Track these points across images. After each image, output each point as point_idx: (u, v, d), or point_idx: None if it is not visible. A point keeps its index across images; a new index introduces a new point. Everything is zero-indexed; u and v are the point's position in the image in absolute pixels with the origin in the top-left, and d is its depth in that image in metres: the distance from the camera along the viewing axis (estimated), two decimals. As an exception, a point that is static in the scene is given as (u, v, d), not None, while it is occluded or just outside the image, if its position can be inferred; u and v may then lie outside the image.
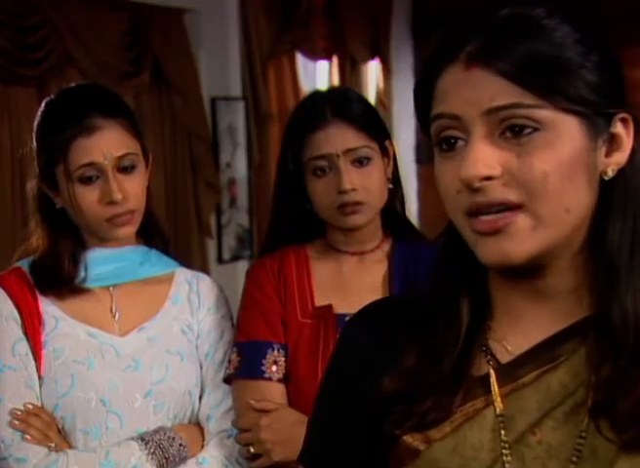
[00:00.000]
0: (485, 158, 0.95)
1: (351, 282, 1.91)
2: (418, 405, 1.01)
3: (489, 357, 1.03)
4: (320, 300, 1.91)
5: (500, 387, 1.01)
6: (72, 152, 1.77)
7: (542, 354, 1.01)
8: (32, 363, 1.79)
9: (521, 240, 0.95)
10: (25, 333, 1.79)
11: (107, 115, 1.80)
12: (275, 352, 1.89)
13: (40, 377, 1.79)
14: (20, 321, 1.80)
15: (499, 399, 1.00)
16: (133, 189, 1.81)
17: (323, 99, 1.93)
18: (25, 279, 1.84)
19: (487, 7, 1.01)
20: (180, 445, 1.81)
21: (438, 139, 1.00)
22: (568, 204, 0.96)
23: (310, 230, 1.97)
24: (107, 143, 1.79)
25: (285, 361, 1.88)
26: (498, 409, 1.00)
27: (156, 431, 1.80)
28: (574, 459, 0.96)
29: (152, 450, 1.77)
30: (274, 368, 1.87)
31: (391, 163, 1.95)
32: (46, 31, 4.02)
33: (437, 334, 1.03)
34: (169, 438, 1.80)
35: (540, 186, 0.94)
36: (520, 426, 0.99)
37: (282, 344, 1.89)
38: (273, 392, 1.87)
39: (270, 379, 1.87)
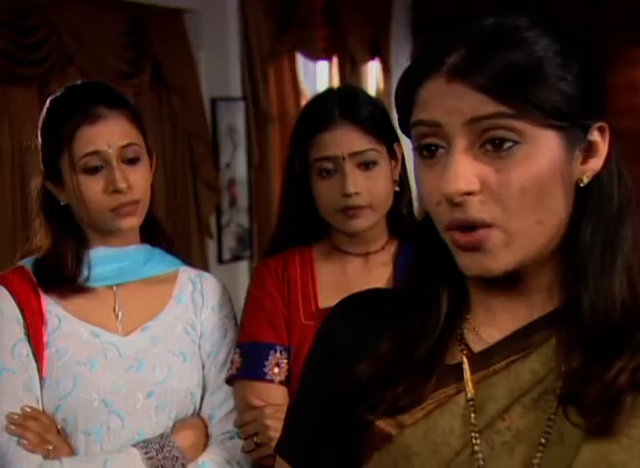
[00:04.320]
0: (465, 173, 0.97)
1: (356, 284, 1.88)
2: (390, 390, 1.04)
3: (463, 346, 1.06)
4: (324, 302, 1.90)
5: (471, 374, 1.04)
6: (77, 141, 1.78)
7: (514, 343, 1.04)
8: (33, 364, 1.78)
9: (497, 255, 0.99)
10: (27, 334, 1.79)
11: (112, 106, 1.81)
12: (278, 354, 1.88)
13: (42, 378, 1.78)
14: (22, 321, 1.79)
15: (470, 385, 1.03)
16: (137, 180, 1.81)
17: (332, 99, 1.92)
18: (28, 278, 1.84)
19: (482, 9, 1.01)
20: (175, 457, 1.80)
21: (419, 145, 1.01)
22: (539, 217, 0.98)
23: (317, 230, 1.96)
24: (112, 132, 1.80)
25: (287, 363, 1.88)
26: (469, 394, 1.03)
27: (152, 441, 1.79)
28: (542, 442, 0.99)
29: (152, 457, 1.76)
30: (276, 370, 1.87)
31: (399, 165, 1.94)
32: (46, 31, 4.03)
33: (415, 324, 1.07)
34: (164, 446, 1.79)
35: (515, 202, 0.97)
36: (490, 412, 1.02)
37: (285, 346, 1.89)
38: (275, 394, 1.86)
39: (272, 381, 1.87)
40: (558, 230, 1.01)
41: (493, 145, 0.97)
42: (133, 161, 1.82)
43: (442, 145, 0.99)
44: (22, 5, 3.94)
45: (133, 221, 1.83)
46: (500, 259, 0.99)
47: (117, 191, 1.78)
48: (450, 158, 0.98)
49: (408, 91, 1.03)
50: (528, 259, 1.00)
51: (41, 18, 4.00)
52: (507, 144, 0.96)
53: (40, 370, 1.78)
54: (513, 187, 0.96)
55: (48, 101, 1.88)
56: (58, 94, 1.89)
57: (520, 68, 0.96)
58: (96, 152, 1.78)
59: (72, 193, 1.81)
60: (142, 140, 1.86)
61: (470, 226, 0.98)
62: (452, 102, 0.97)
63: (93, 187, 1.79)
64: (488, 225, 0.97)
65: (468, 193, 0.97)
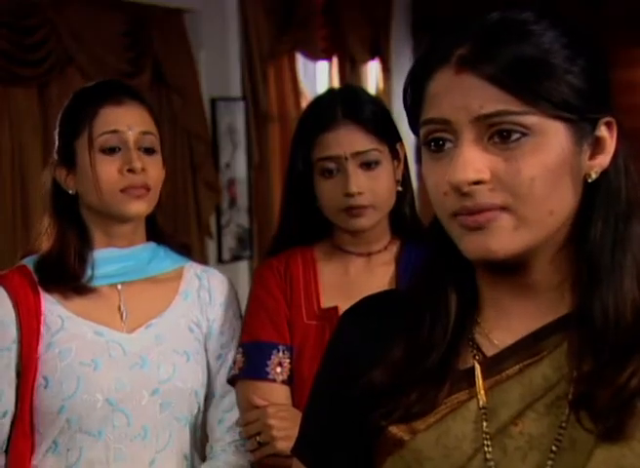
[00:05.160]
0: (474, 162, 0.97)
1: (358, 283, 1.89)
2: (404, 397, 1.04)
3: (475, 351, 1.06)
4: (326, 302, 1.90)
5: (484, 380, 1.04)
6: (98, 118, 1.81)
7: (526, 348, 1.04)
8: (12, 374, 1.78)
9: (503, 238, 0.98)
10: (20, 338, 1.78)
11: (136, 98, 1.87)
12: (280, 353, 1.88)
13: (35, 379, 1.78)
14: (16, 323, 1.79)
15: (482, 392, 1.03)
16: (151, 167, 1.83)
17: (334, 100, 1.92)
18: (29, 277, 1.83)
19: (483, 8, 1.02)
20: None
21: (427, 140, 1.02)
22: (551, 207, 0.98)
23: (319, 230, 1.96)
24: (133, 117, 1.84)
25: (290, 362, 1.88)
26: (481, 402, 1.03)
27: None
28: (554, 449, 0.99)
29: None
30: (279, 369, 1.87)
31: (401, 165, 1.94)
32: (46, 31, 4.02)
33: (425, 329, 1.06)
34: None
35: (527, 191, 0.97)
36: (502, 418, 1.02)
37: (287, 346, 1.89)
38: (277, 393, 1.87)
39: (274, 381, 1.87)
40: (566, 222, 1.01)
41: (500, 137, 0.97)
42: (149, 151, 1.84)
43: (450, 139, 0.99)
44: (22, 5, 3.94)
45: (141, 206, 1.83)
46: (506, 242, 0.98)
47: (131, 171, 1.80)
48: (458, 149, 0.98)
49: (417, 85, 1.03)
50: (533, 248, 1.00)
51: (41, 18, 4.00)
52: (515, 136, 0.97)
53: (32, 372, 1.77)
54: (523, 176, 0.97)
55: (74, 92, 1.92)
56: (84, 86, 1.94)
57: (529, 60, 0.96)
58: (115, 131, 1.81)
59: (85, 174, 1.81)
60: (158, 137, 1.89)
61: (480, 211, 0.98)
62: (460, 97, 0.98)
63: (108, 166, 1.80)
64: (500, 208, 0.97)
65: (477, 183, 0.97)
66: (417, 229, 1.95)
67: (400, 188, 1.93)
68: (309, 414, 1.18)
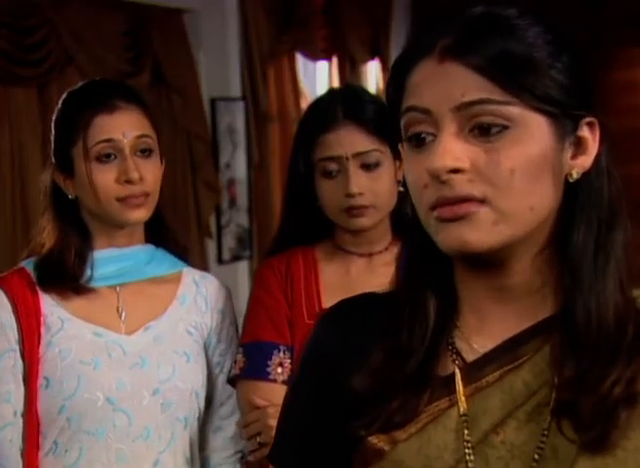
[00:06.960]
0: (453, 151, 0.96)
1: (359, 284, 1.87)
2: (384, 406, 1.02)
3: (455, 356, 1.04)
4: (327, 302, 1.89)
5: (464, 387, 1.02)
6: (92, 128, 1.80)
7: (506, 353, 1.02)
8: (18, 375, 1.78)
9: (481, 230, 0.96)
10: (21, 339, 1.78)
11: (129, 100, 1.84)
12: (281, 354, 1.88)
13: (37, 379, 1.78)
14: (15, 325, 1.79)
15: (463, 399, 1.01)
16: (148, 172, 1.82)
17: (335, 100, 1.92)
18: (28, 279, 1.83)
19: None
20: None
21: (408, 134, 1.01)
22: (532, 202, 0.97)
23: (320, 230, 1.96)
24: (128, 122, 1.82)
25: (290, 363, 1.88)
26: (461, 410, 1.01)
27: None
28: (536, 458, 0.97)
29: None
30: (279, 369, 1.87)
31: (403, 165, 1.94)
32: (46, 31, 4.02)
33: (404, 333, 1.04)
34: None
35: (506, 183, 0.95)
36: (484, 426, 1.00)
37: (288, 346, 1.89)
38: (278, 394, 1.86)
39: (275, 381, 1.87)
40: (546, 222, 1.00)
41: (481, 130, 0.96)
42: (145, 153, 1.83)
43: (431, 132, 0.98)
44: (22, 5, 3.94)
45: (141, 214, 1.83)
46: (484, 235, 0.96)
47: (129, 181, 1.79)
48: (438, 139, 0.97)
49: (399, 76, 1.02)
50: (512, 245, 0.98)
51: (41, 18, 4.00)
52: (495, 129, 0.96)
53: (34, 373, 1.78)
54: (503, 168, 0.95)
55: (65, 93, 1.90)
56: (75, 87, 1.91)
57: (514, 53, 0.96)
58: (110, 140, 1.80)
59: (83, 182, 1.81)
60: (155, 137, 1.87)
61: (459, 201, 0.96)
62: (442, 85, 0.97)
63: (105, 176, 1.80)
64: (479, 200, 0.96)
65: (456, 171, 0.95)
66: None
67: (401, 189, 1.93)
68: (286, 420, 1.15)
